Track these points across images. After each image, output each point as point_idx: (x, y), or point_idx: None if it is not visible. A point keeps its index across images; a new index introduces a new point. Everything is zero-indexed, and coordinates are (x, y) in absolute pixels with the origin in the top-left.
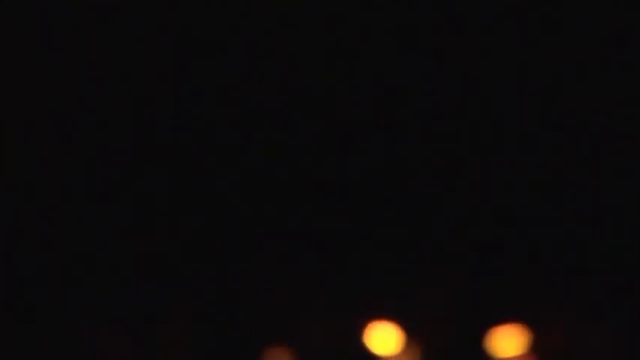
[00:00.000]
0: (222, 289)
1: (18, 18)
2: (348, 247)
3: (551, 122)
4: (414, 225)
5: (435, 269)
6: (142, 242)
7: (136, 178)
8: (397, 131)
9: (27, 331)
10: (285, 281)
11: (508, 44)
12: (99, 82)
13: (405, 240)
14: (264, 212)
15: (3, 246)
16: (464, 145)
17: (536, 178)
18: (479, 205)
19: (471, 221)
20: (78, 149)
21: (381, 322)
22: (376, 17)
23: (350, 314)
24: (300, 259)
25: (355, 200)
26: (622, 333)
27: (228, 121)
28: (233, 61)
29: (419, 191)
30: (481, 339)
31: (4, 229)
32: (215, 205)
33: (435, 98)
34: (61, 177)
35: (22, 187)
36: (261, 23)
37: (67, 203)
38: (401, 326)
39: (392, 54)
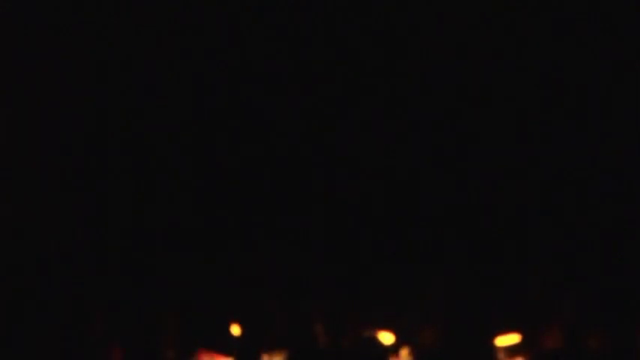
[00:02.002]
0: (224, 292)
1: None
2: (347, 252)
3: (550, 132)
4: (413, 234)
5: (432, 275)
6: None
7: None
8: (390, 137)
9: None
10: (284, 287)
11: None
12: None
13: (403, 246)
14: (263, 220)
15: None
16: (461, 154)
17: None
18: (474, 213)
19: (467, 228)
20: (77, 149)
21: (380, 325)
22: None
23: (351, 318)
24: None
25: (354, 211)
26: (616, 336)
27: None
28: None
29: (417, 205)
30: (477, 340)
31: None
32: (216, 205)
33: (430, 102)
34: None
35: (19, 186)
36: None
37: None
38: (397, 331)
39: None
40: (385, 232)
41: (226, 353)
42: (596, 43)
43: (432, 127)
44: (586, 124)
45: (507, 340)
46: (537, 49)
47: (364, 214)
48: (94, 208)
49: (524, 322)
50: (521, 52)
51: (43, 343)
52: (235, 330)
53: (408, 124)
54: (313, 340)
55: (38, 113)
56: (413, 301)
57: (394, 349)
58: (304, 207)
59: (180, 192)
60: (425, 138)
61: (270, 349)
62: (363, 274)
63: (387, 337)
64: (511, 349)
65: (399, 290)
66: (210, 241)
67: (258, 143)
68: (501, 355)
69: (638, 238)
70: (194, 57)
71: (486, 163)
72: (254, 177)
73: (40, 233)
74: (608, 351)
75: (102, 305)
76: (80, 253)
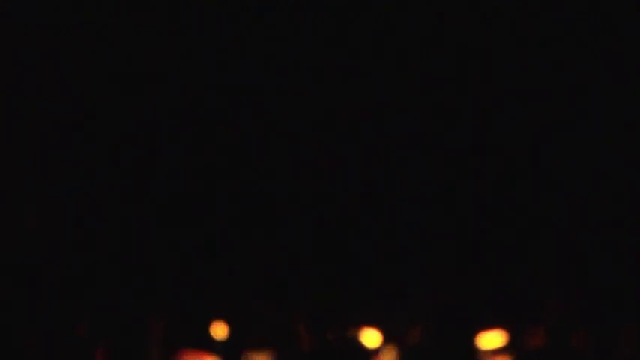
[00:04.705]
0: (207, 292)
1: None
2: (339, 252)
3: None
4: (402, 233)
5: (419, 273)
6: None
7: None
8: (383, 134)
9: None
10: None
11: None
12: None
13: (394, 246)
14: (258, 217)
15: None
16: (448, 155)
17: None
18: (464, 212)
19: (456, 227)
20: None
21: (367, 324)
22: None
23: (337, 316)
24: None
25: (347, 209)
26: (603, 335)
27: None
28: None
29: (409, 202)
30: (463, 339)
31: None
32: (201, 207)
33: (426, 103)
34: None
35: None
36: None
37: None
38: (384, 327)
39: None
40: (373, 231)
41: (208, 351)
42: (596, 43)
43: (418, 126)
44: (560, 124)
45: (492, 338)
46: (536, 51)
47: (352, 214)
48: (81, 210)
49: (509, 321)
50: (520, 53)
51: (29, 343)
52: (219, 329)
53: (393, 122)
54: (296, 340)
55: (37, 113)
56: (400, 301)
57: (376, 351)
58: (291, 207)
59: (166, 194)
60: (412, 138)
61: (254, 348)
62: (351, 274)
63: (373, 336)
64: (496, 349)
65: (386, 290)
66: (195, 242)
67: (248, 144)
68: (486, 355)
69: (623, 240)
70: (193, 57)
71: (475, 163)
72: (239, 179)
73: (27, 234)
74: (592, 351)
75: (87, 306)
76: (66, 254)
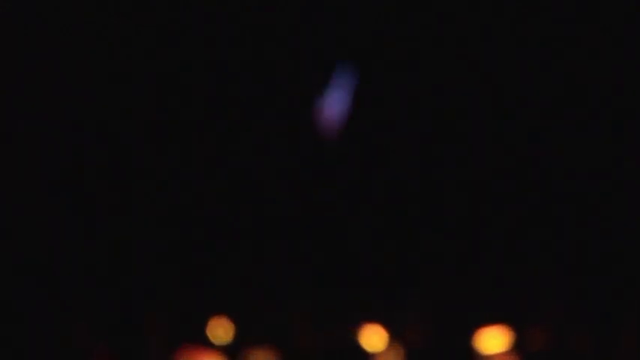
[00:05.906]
0: (215, 290)
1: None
2: (338, 251)
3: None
4: (402, 230)
5: (421, 273)
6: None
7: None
8: (383, 134)
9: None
10: (275, 283)
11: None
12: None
13: (392, 244)
14: (257, 215)
15: None
16: (449, 150)
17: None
18: (463, 211)
19: (456, 225)
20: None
21: (369, 323)
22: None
23: (338, 316)
24: (291, 261)
25: (346, 206)
26: (602, 334)
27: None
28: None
29: (407, 199)
30: (465, 339)
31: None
32: (209, 208)
33: (420, 103)
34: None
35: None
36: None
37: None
38: (386, 327)
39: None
40: (373, 232)
41: (208, 350)
42: (596, 43)
43: (417, 125)
44: (560, 124)
45: (492, 339)
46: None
47: (352, 214)
48: (81, 210)
49: (509, 322)
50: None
51: (27, 342)
52: (219, 328)
53: (392, 121)
54: (296, 340)
55: (37, 113)
56: (400, 301)
57: (377, 351)
58: (291, 206)
59: (166, 194)
60: (412, 137)
61: (254, 347)
62: (351, 274)
63: (373, 336)
64: (496, 349)
65: (386, 290)
66: (195, 241)
67: (247, 144)
68: (486, 355)
69: (623, 240)
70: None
71: (475, 162)
72: (239, 179)
73: (25, 232)
74: (592, 351)
75: (87, 304)
76: (66, 254)
